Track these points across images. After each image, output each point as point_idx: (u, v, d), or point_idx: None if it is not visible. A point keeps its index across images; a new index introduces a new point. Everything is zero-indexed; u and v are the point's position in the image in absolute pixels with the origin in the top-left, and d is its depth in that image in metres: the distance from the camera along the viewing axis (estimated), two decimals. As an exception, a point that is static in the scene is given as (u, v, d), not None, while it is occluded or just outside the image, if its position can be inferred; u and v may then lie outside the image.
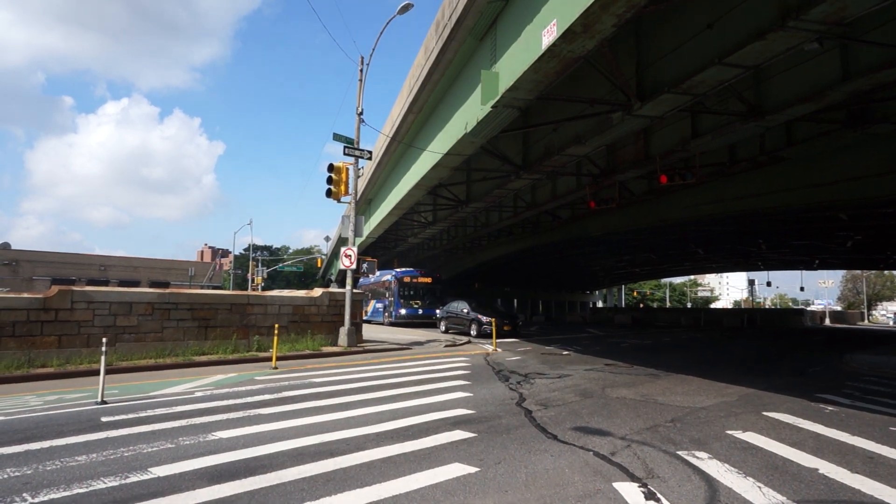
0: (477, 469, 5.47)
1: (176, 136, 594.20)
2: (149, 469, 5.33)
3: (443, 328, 27.05)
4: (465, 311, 25.32)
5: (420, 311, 33.10)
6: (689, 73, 10.85)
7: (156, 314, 14.10)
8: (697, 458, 5.98)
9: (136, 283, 51.20)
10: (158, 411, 7.95)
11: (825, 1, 8.04)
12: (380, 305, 36.09)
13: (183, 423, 7.25)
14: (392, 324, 33.29)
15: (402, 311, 32.67)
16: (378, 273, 36.84)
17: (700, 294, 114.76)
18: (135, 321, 13.73)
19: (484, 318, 23.69)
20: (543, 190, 25.60)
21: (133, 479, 5.06)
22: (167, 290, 14.94)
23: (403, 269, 35.80)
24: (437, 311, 33.55)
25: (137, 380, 11.07)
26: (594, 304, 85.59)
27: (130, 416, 7.63)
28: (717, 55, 10.07)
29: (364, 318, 37.42)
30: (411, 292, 33.62)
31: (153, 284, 50.24)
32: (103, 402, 8.42)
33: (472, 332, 23.68)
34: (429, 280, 34.66)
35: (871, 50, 10.38)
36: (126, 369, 12.15)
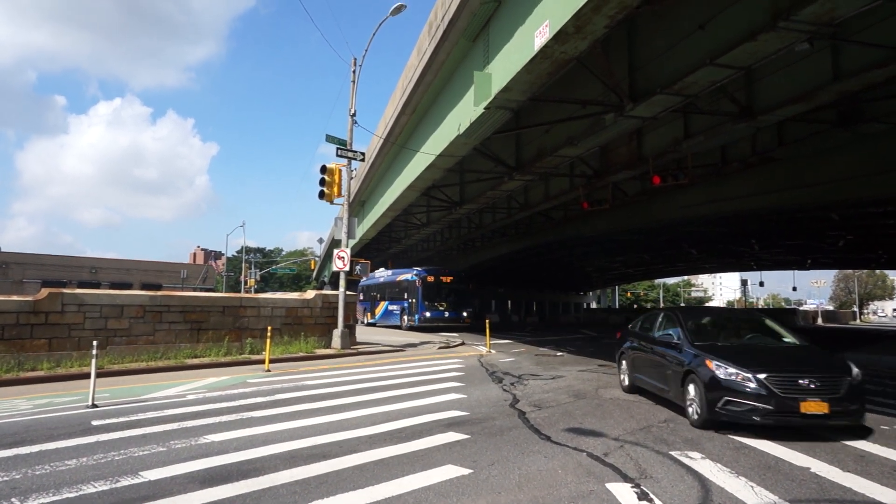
0: (470, 471, 5.46)
1: (169, 137, 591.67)
2: (140, 473, 5.28)
3: (625, 381, 10.57)
4: (675, 341, 8.89)
5: (446, 314, 30.32)
6: (681, 74, 10.88)
7: (147, 317, 14.01)
8: (690, 458, 5.99)
9: (127, 286, 50.91)
10: (150, 415, 7.90)
11: (816, 2, 8.08)
12: (395, 307, 33.15)
13: (174, 426, 7.20)
14: (412, 328, 30.44)
15: (427, 314, 29.81)
16: (390, 272, 35.32)
17: (693, 294, 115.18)
18: (126, 324, 13.64)
19: (731, 375, 7.23)
20: (536, 191, 25.62)
21: (124, 483, 5.02)
22: (159, 293, 14.85)
23: (425, 268, 32.95)
24: (465, 313, 31.08)
25: (129, 383, 11.00)
26: (588, 305, 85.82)
27: (121, 419, 7.58)
28: (709, 56, 10.10)
29: (370, 320, 36.34)
30: (436, 293, 30.69)
31: (145, 287, 49.99)
32: (94, 406, 8.36)
33: (694, 417, 7.64)
34: (453, 279, 31.94)
35: (861, 50, 10.44)
36: (117, 372, 12.08)
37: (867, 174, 17.10)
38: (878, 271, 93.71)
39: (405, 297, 31.75)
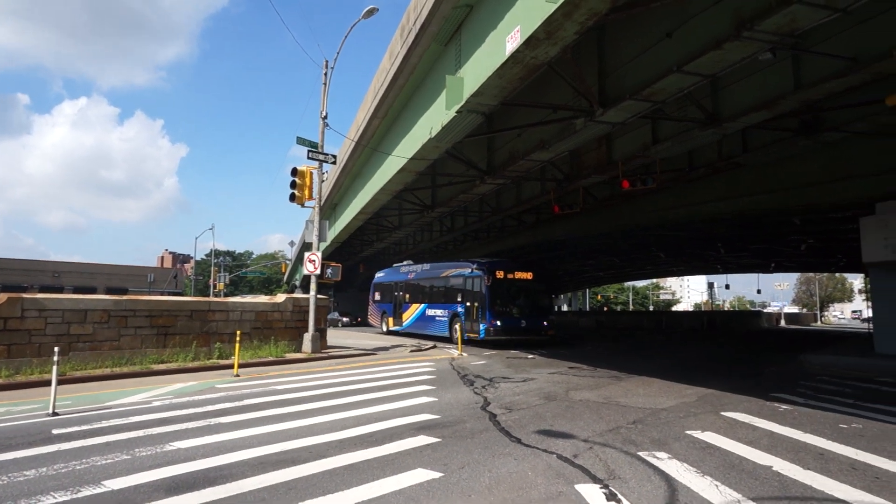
0: (441, 474, 5.46)
1: (137, 138, 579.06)
2: (102, 482, 5.15)
3: None
4: None
5: (523, 323, 22.04)
6: (649, 81, 11.08)
7: (112, 322, 13.68)
8: (657, 458, 6.08)
9: (92, 290, 49.59)
10: (114, 422, 7.71)
11: (777, 13, 8.34)
12: (440, 312, 24.89)
13: (139, 433, 7.04)
14: (472, 342, 22.25)
15: (498, 323, 21.26)
16: (428, 265, 27.85)
17: (662, 297, 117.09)
18: (90, 329, 13.29)
19: None
20: (508, 195, 25.77)
21: (85, 493, 4.89)
22: (124, 297, 14.53)
23: (490, 259, 24.55)
24: (545, 322, 22.69)
25: (92, 390, 10.72)
26: (559, 307, 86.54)
27: (84, 427, 7.38)
28: (676, 63, 10.31)
29: (394, 327, 28.96)
30: (508, 294, 22.37)
31: (110, 291, 48.78)
32: (55, 414, 8.13)
33: None
34: (530, 276, 23.12)
35: (821, 61, 10.77)
36: (80, 379, 11.75)
37: (827, 181, 17.68)
38: (837, 275, 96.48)
39: (459, 298, 23.48)
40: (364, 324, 39.22)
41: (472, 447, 6.49)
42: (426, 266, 27.73)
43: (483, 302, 21.63)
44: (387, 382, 11.80)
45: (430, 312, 25.72)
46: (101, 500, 4.74)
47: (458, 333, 20.23)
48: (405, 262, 30.90)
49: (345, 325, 47.40)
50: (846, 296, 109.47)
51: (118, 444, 6.53)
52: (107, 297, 14.38)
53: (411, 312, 27.45)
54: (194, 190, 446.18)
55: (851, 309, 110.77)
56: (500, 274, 22.02)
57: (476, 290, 22.26)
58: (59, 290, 49.41)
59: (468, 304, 22.69)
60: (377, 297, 32.25)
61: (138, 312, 14.19)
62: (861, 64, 10.10)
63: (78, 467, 5.61)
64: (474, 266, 22.88)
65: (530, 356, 18.06)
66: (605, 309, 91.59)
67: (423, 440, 6.77)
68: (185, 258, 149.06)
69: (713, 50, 9.52)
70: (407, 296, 28.20)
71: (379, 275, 32.77)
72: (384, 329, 30.56)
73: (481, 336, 21.44)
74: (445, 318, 24.24)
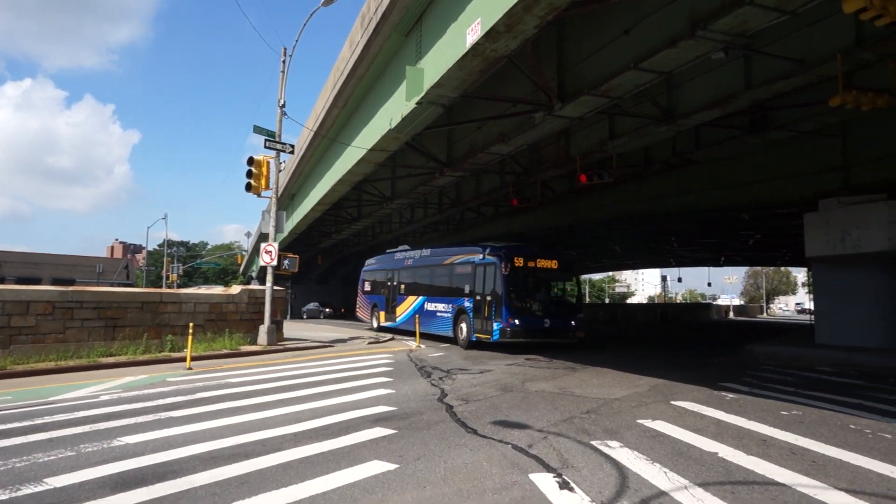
0: (396, 465, 5.46)
1: (86, 123, 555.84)
2: (44, 480, 4.96)
3: None
4: None
5: (546, 323, 17.83)
6: (607, 77, 11.26)
7: (57, 314, 13.16)
8: (609, 447, 6.22)
9: (36, 281, 47.60)
10: (58, 417, 7.43)
11: (730, 13, 8.59)
12: (442, 307, 20.59)
13: (85, 428, 6.81)
14: (482, 344, 18.17)
15: (517, 322, 17.09)
16: (428, 251, 23.61)
17: (617, 290, 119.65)
18: (32, 321, 12.76)
19: None
20: (468, 187, 25.88)
21: (25, 491, 4.70)
22: (70, 288, 14.00)
23: (507, 245, 19.57)
24: (573, 321, 18.54)
25: (35, 384, 10.30)
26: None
27: (25, 423, 7.09)
28: (633, 60, 10.51)
29: (386, 323, 24.99)
30: (528, 286, 18.48)
31: (56, 282, 46.91)
32: (-6, 409, 7.79)
33: None
34: (555, 265, 19.12)
35: (770, 62, 11.15)
36: (22, 373, 11.28)
37: (774, 178, 18.36)
38: (783, 268, 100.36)
39: (467, 290, 19.21)
40: (349, 317, 38.10)
41: (429, 438, 6.51)
42: (426, 251, 23.66)
43: (497, 296, 17.45)
44: (344, 374, 11.72)
45: (430, 307, 21.48)
46: (41, 498, 4.57)
47: (416, 326, 19.92)
48: (401, 247, 26.90)
49: (327, 317, 46.44)
50: (790, 289, 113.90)
51: (62, 440, 6.31)
52: (52, 287, 13.84)
53: (407, 306, 23.33)
54: (147, 178, 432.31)
55: (795, 301, 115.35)
56: (519, 261, 17.84)
57: (489, 280, 18.06)
58: (1, 280, 47.29)
59: (478, 297, 18.41)
60: (367, 287, 28.24)
61: (85, 304, 13.70)
62: (807, 66, 10.51)
63: (18, 465, 5.39)
64: (486, 251, 18.64)
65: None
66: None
67: (379, 432, 6.75)
68: (137, 248, 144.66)
69: (669, 48, 9.74)
70: (402, 287, 24.12)
71: (369, 262, 29.10)
72: (374, 325, 26.47)
73: (494, 338, 17.29)
74: (448, 315, 20.07)
